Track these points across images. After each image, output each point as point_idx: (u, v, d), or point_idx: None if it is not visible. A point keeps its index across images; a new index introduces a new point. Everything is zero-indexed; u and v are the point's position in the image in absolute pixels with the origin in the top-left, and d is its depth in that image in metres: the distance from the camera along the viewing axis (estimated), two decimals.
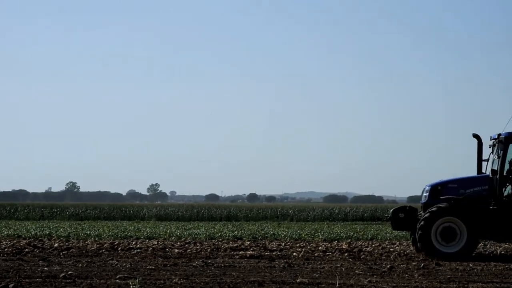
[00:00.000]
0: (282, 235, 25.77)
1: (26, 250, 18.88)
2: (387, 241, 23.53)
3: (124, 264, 15.36)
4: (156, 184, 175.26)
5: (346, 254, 18.85)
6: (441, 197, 18.32)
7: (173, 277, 13.11)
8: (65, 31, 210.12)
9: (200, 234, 25.88)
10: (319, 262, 16.40)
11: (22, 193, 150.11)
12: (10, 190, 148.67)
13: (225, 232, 27.52)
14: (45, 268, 14.34)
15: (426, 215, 17.85)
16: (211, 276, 13.40)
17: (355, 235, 26.02)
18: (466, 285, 12.65)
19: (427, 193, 18.64)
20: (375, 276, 13.87)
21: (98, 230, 28.72)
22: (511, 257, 17.55)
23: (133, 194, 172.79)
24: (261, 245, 21.31)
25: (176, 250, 19.31)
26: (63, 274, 13.02)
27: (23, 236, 24.61)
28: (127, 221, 46.01)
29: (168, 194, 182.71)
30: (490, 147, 19.06)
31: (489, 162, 18.91)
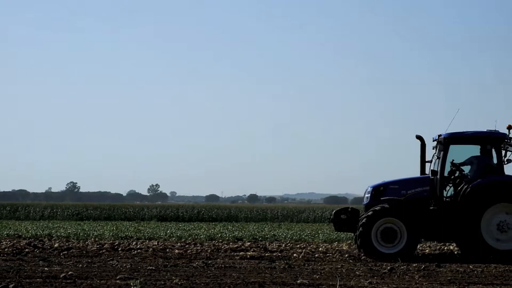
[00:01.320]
0: (283, 236, 25.78)
1: (26, 250, 18.88)
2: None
3: (124, 265, 15.36)
4: (157, 185, 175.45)
5: (346, 255, 18.85)
6: (381, 198, 18.36)
7: (173, 277, 13.11)
8: (65, 30, 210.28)
9: (201, 235, 25.88)
10: (320, 263, 16.40)
11: (22, 193, 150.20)
12: (11, 190, 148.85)
13: (226, 233, 27.53)
14: (46, 269, 14.34)
15: (366, 216, 17.92)
16: (212, 277, 13.40)
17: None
18: (466, 287, 12.65)
19: (369, 194, 18.70)
20: (375, 277, 13.86)
21: (99, 230, 28.73)
22: (511, 259, 17.52)
23: (133, 195, 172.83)
24: (261, 246, 21.30)
25: (177, 251, 19.30)
26: (63, 275, 13.02)
27: (23, 236, 24.61)
28: (127, 221, 46.03)
29: (169, 194, 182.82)
30: (433, 148, 19.09)
31: (432, 163, 18.95)
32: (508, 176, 18.35)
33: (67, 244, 21.06)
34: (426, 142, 18.83)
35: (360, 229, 17.86)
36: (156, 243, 21.76)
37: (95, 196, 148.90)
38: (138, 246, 20.68)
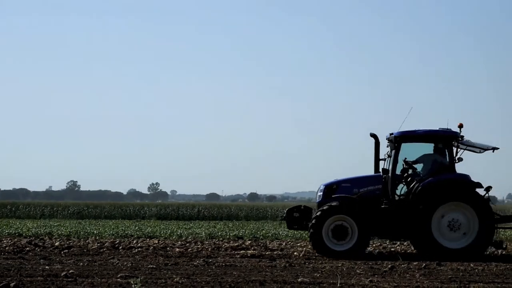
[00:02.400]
0: (283, 235, 25.78)
1: (27, 248, 18.89)
2: (388, 241, 23.51)
3: (125, 263, 15.37)
4: (157, 183, 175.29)
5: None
6: (332, 196, 18.39)
7: (174, 276, 13.11)
8: (65, 29, 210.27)
9: (201, 234, 25.89)
10: (320, 262, 16.40)
11: (23, 192, 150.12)
12: (11, 189, 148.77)
13: (226, 232, 27.53)
14: (46, 267, 14.34)
15: (318, 214, 17.93)
16: (212, 276, 13.40)
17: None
18: (467, 285, 12.64)
19: (321, 193, 18.71)
20: (376, 275, 13.86)
21: (99, 229, 28.73)
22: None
23: (133, 193, 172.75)
24: (262, 245, 21.31)
25: (177, 249, 19.31)
26: (64, 273, 13.03)
27: (24, 234, 24.63)
28: (127, 220, 46.03)
29: (169, 193, 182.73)
30: (387, 147, 19.10)
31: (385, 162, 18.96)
32: (459, 174, 18.30)
33: (67, 242, 21.06)
34: (380, 140, 18.82)
35: (312, 227, 17.87)
36: (156, 242, 21.77)
37: (95, 194, 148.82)
38: (139, 244, 20.68)
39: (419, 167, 18.66)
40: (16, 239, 22.11)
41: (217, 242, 21.94)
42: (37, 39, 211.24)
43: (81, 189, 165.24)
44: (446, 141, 18.53)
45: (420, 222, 17.67)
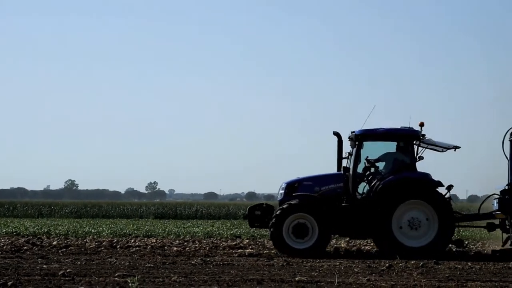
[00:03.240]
0: None
1: (25, 248, 18.88)
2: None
3: (123, 262, 15.37)
4: (155, 182, 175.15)
5: (344, 252, 18.86)
6: (293, 194, 18.38)
7: (171, 275, 13.11)
8: (63, 28, 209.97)
9: (199, 232, 25.89)
10: (318, 261, 16.40)
11: (20, 191, 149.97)
12: (9, 188, 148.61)
13: (224, 231, 27.54)
14: (44, 266, 14.34)
15: (278, 212, 17.96)
16: (210, 274, 13.41)
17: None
18: (464, 284, 12.65)
19: (283, 191, 18.69)
20: (373, 274, 13.87)
21: (97, 228, 28.72)
22: (509, 256, 17.53)
23: (131, 192, 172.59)
24: (259, 243, 21.32)
25: (175, 248, 19.31)
26: (62, 272, 13.02)
27: (21, 234, 24.61)
28: (125, 219, 46.02)
29: (167, 192, 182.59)
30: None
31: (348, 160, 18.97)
32: (419, 173, 18.30)
33: (65, 241, 21.06)
34: (343, 139, 18.83)
35: (272, 225, 17.88)
36: (154, 241, 21.77)
37: (93, 193, 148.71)
38: (137, 243, 20.68)
39: (381, 165, 18.67)
40: (14, 238, 22.10)
41: (215, 241, 21.95)
42: (35, 38, 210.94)
43: (79, 188, 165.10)
44: (407, 139, 18.52)
45: (381, 221, 17.69)
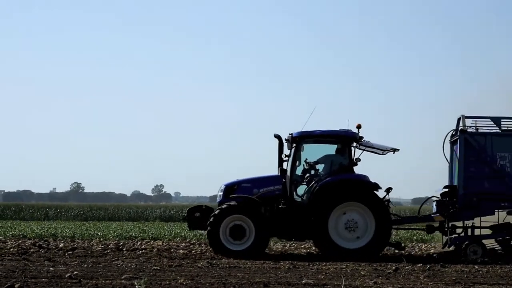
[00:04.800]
0: None
1: (32, 250, 18.90)
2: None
3: (129, 265, 15.38)
4: (161, 185, 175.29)
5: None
6: (230, 196, 18.38)
7: (178, 277, 13.11)
8: (67, 28, 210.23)
9: (205, 235, 25.82)
10: (324, 263, 16.39)
11: (27, 194, 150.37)
12: (15, 191, 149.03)
13: None
14: (51, 268, 14.36)
15: (215, 213, 18.01)
16: (216, 277, 13.40)
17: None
18: (471, 287, 12.63)
19: (222, 192, 18.71)
20: (380, 277, 13.85)
21: (103, 230, 28.75)
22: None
23: (137, 195, 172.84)
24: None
25: (181, 251, 19.33)
26: (68, 274, 13.03)
27: (28, 236, 24.64)
28: (131, 222, 46.06)
29: (173, 195, 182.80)
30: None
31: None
32: (357, 175, 18.31)
33: (72, 244, 21.08)
34: (284, 141, 18.76)
35: (209, 226, 17.91)
36: (160, 243, 21.78)
37: (99, 196, 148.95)
38: (143, 246, 20.70)
39: (320, 167, 18.69)
40: (20, 241, 22.12)
41: None
42: (39, 38, 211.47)
43: (85, 190, 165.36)
44: (344, 141, 18.53)
45: (317, 223, 17.70)
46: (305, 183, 18.54)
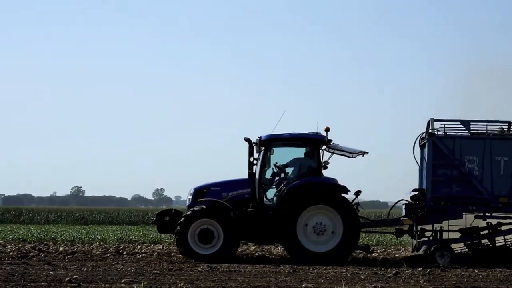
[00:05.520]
0: None
1: (31, 254, 18.89)
2: (392, 247, 23.52)
3: (129, 269, 15.37)
4: (161, 189, 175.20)
5: (351, 259, 18.83)
6: (199, 200, 18.37)
7: (178, 281, 13.12)
8: (69, 31, 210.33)
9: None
10: (324, 267, 16.37)
11: (27, 197, 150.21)
12: (15, 194, 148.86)
13: None
14: (50, 272, 14.35)
15: (183, 217, 17.95)
16: (216, 281, 13.41)
17: (360, 241, 25.91)
18: None
19: (191, 196, 18.67)
20: (380, 281, 13.85)
21: (103, 234, 28.74)
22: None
23: (138, 199, 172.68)
24: (266, 250, 21.30)
25: (181, 255, 19.30)
26: (68, 278, 13.04)
27: (28, 240, 24.62)
28: (132, 225, 46.03)
29: (173, 199, 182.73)
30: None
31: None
32: (324, 178, 18.29)
33: (72, 248, 21.07)
34: (253, 145, 18.69)
35: (177, 230, 17.87)
36: (161, 247, 21.77)
37: (100, 200, 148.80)
38: (143, 250, 20.69)
39: (289, 170, 18.66)
40: (20, 245, 22.11)
41: None
42: (41, 39, 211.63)
43: (86, 194, 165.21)
44: (312, 144, 18.53)
45: (285, 226, 17.68)
46: (274, 186, 18.54)
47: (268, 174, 18.54)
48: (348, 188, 18.03)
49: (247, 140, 18.53)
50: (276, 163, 18.58)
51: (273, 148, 18.54)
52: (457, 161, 18.11)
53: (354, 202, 18.32)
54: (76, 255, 18.87)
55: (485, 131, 18.35)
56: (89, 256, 18.75)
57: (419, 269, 16.10)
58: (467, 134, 18.40)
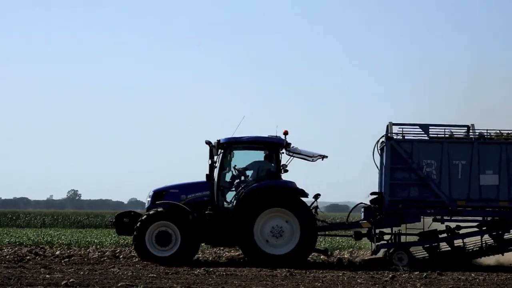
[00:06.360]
0: None
1: (28, 257, 18.87)
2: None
3: (125, 272, 15.36)
4: None
5: (347, 263, 18.83)
6: (157, 202, 18.36)
7: (174, 285, 13.11)
8: (67, 33, 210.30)
9: (202, 243, 25.80)
10: (321, 271, 16.38)
11: (23, 201, 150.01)
12: (12, 198, 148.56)
13: None
14: (47, 276, 14.33)
15: (140, 220, 17.95)
16: (213, 285, 13.40)
17: (357, 244, 25.97)
18: None
19: (150, 198, 18.67)
20: (377, 285, 13.86)
21: (100, 238, 28.71)
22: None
23: (134, 202, 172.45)
24: None
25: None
26: (64, 282, 13.02)
27: (24, 243, 24.59)
28: None
29: None
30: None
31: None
32: (282, 181, 18.33)
33: (68, 251, 21.05)
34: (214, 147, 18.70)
35: (135, 232, 17.86)
36: None
37: (96, 204, 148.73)
38: None
39: (249, 173, 18.69)
40: (16, 248, 22.09)
41: (217, 251, 21.93)
42: (37, 42, 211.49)
43: (82, 198, 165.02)
44: (271, 148, 18.57)
45: (243, 229, 17.70)
46: (233, 189, 18.55)
47: (227, 177, 18.57)
48: (307, 192, 18.10)
49: (208, 142, 18.49)
50: (235, 166, 18.60)
51: (233, 151, 18.58)
52: (415, 164, 18.19)
53: (313, 205, 18.38)
54: (72, 258, 18.85)
55: (443, 135, 18.47)
56: (85, 259, 18.73)
57: (415, 273, 16.11)
58: (426, 138, 18.47)
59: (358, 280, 14.56)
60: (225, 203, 18.43)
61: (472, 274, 16.03)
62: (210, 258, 19.57)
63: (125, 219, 18.79)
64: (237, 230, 17.76)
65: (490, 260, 19.05)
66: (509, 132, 18.80)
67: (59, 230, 40.45)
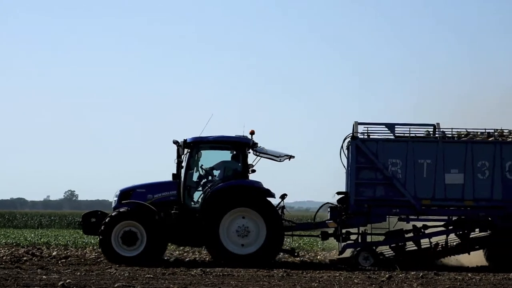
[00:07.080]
0: None
1: (25, 258, 18.86)
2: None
3: (122, 273, 15.35)
4: None
5: (344, 263, 18.84)
6: (123, 202, 18.37)
7: (171, 285, 13.11)
8: (67, 34, 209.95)
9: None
10: (318, 271, 16.39)
11: (20, 201, 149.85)
12: (9, 198, 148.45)
13: None
14: (44, 277, 14.32)
15: (106, 220, 17.96)
16: (210, 285, 13.40)
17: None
18: None
19: (117, 198, 18.66)
20: (373, 285, 13.86)
21: (97, 238, 28.66)
22: (509, 267, 17.55)
23: None
24: None
25: (175, 259, 19.28)
26: (61, 283, 13.01)
27: (21, 244, 24.57)
28: None
29: None
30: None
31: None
32: (248, 181, 18.33)
33: (65, 252, 21.04)
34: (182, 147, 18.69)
35: (101, 232, 17.87)
36: None
37: (93, 204, 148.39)
38: None
39: (216, 173, 18.70)
40: (13, 249, 22.06)
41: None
42: (36, 43, 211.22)
43: (79, 198, 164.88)
44: (237, 147, 18.58)
45: (208, 228, 17.72)
46: (200, 189, 18.56)
47: (194, 177, 18.55)
48: (273, 192, 18.12)
49: (175, 142, 18.49)
50: (202, 165, 18.61)
51: (200, 151, 18.59)
52: (380, 164, 18.22)
53: (279, 205, 18.39)
54: (69, 259, 18.85)
55: (409, 134, 18.48)
56: (82, 260, 18.73)
57: (412, 273, 16.12)
58: (392, 137, 18.48)
59: (355, 280, 14.58)
60: (191, 202, 18.43)
61: (469, 274, 16.05)
62: (207, 259, 19.56)
63: (92, 218, 18.78)
64: (203, 229, 17.77)
65: (451, 260, 19.11)
66: (474, 131, 18.80)
67: (56, 231, 40.42)
